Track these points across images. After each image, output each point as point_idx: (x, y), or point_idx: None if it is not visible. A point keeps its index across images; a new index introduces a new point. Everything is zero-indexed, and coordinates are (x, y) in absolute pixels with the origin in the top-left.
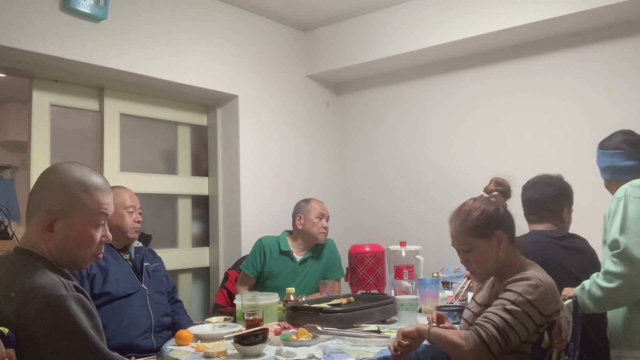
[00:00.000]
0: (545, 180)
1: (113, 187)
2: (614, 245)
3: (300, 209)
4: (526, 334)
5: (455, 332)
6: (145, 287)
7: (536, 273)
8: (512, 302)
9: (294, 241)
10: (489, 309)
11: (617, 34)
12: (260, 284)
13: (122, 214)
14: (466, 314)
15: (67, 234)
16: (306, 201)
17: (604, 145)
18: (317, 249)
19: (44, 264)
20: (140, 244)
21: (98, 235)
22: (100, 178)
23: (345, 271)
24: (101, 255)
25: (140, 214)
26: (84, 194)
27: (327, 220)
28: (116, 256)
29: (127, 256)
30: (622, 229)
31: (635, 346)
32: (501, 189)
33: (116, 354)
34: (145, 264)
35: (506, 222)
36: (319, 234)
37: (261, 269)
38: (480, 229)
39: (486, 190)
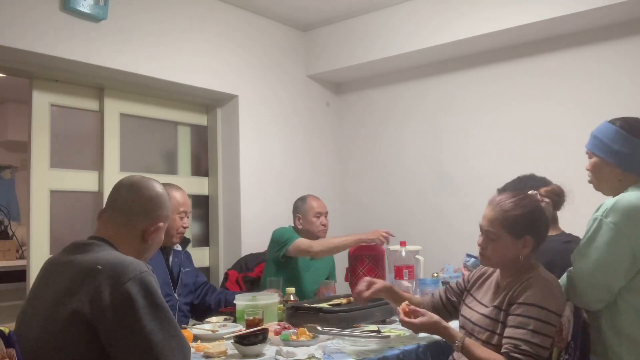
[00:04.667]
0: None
1: (165, 186)
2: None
3: (298, 209)
4: (550, 340)
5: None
6: (177, 298)
7: (541, 274)
8: (536, 319)
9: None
10: (514, 332)
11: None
12: (283, 265)
13: (173, 217)
14: (470, 314)
15: (156, 239)
16: (303, 200)
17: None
18: None
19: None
20: (180, 248)
21: None
22: None
23: (345, 271)
24: None
25: (188, 217)
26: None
27: (326, 217)
28: (158, 260)
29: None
30: (581, 252)
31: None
32: (555, 198)
33: (180, 330)
34: (182, 270)
35: (540, 232)
36: (319, 231)
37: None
38: (515, 226)
39: (540, 192)
